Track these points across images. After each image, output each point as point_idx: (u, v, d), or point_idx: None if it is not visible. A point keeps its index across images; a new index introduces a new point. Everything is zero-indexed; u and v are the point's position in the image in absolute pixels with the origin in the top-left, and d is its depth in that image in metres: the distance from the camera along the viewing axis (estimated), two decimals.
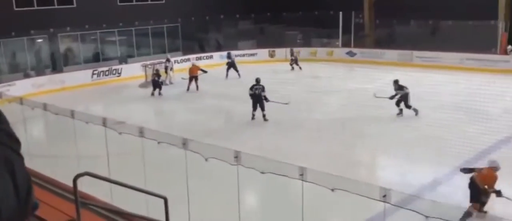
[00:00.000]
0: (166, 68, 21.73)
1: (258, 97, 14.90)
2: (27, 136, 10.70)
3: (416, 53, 24.46)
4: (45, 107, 10.40)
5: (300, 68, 23.98)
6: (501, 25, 23.03)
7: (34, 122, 13.52)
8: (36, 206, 1.27)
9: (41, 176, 6.79)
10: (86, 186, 5.19)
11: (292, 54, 24.75)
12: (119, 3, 25.38)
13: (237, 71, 22.52)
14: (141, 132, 8.20)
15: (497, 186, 8.13)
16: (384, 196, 5.54)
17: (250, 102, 15.20)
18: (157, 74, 20.07)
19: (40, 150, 11.61)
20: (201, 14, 27.04)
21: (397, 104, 14.85)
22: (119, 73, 23.60)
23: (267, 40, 28.59)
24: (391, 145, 12.60)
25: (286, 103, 15.23)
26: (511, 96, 15.60)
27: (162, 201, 4.51)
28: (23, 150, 1.27)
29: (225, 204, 8.19)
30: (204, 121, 15.39)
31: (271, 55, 27.55)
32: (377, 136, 13.29)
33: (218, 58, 25.27)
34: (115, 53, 25.50)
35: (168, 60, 22.35)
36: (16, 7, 21.76)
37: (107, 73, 23.25)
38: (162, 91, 19.76)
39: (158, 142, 8.38)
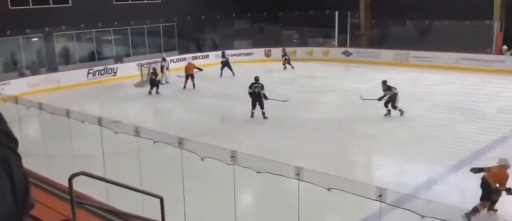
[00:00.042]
0: (162, 67, 21.71)
1: (257, 95, 15.02)
2: (22, 136, 10.66)
3: (412, 53, 24.52)
4: (40, 106, 10.36)
5: (292, 67, 24.14)
6: (496, 25, 23.13)
7: (29, 122, 13.47)
8: (31, 206, 1.27)
9: (36, 176, 6.76)
10: (81, 186, 5.17)
11: (285, 54, 24.84)
12: (114, 2, 25.31)
13: (231, 70, 22.78)
14: (137, 132, 8.19)
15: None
16: (380, 195, 5.55)
17: (246, 101, 15.24)
18: (154, 73, 20.13)
19: (35, 149, 11.56)
20: (197, 13, 26.99)
21: (386, 104, 14.82)
22: (115, 72, 23.54)
23: (263, 39, 28.62)
24: (387, 144, 12.62)
25: (285, 101, 15.44)
26: (506, 96, 15.64)
27: (158, 200, 4.50)
28: (18, 150, 1.26)
29: (221, 204, 8.18)
30: (200, 120, 15.38)
31: (267, 54, 27.56)
32: (373, 136, 13.31)
33: (214, 58, 25.25)
34: (110, 52, 25.44)
35: (164, 60, 22.34)
36: (12, 6, 21.67)
37: (102, 72, 23.19)
38: (159, 90, 19.78)
39: (154, 142, 8.37)
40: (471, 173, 8.64)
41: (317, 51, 27.69)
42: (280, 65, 24.59)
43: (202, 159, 7.18)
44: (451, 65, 22.61)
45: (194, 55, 25.91)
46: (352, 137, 13.44)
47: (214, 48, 27.65)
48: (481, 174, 8.43)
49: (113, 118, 10.55)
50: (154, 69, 20.60)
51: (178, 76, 21.13)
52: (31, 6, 22.22)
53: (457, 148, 11.27)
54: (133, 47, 26.17)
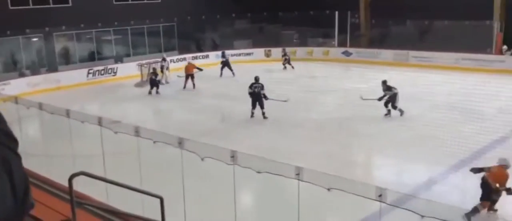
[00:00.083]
0: (162, 67, 21.71)
1: (257, 95, 15.03)
2: (22, 136, 10.66)
3: (412, 53, 24.52)
4: (40, 106, 10.36)
5: (292, 67, 24.18)
6: (496, 25, 23.12)
7: (29, 122, 13.46)
8: (31, 206, 1.27)
9: (36, 176, 6.76)
10: (81, 186, 5.17)
11: (285, 54, 24.87)
12: (114, 2, 25.31)
13: (231, 70, 22.83)
14: (137, 132, 8.19)
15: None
16: (380, 195, 5.55)
17: (246, 101, 15.24)
18: (154, 72, 20.15)
19: (35, 149, 11.56)
20: (197, 13, 26.99)
21: (386, 104, 14.79)
22: (115, 72, 23.53)
23: (263, 39, 28.62)
24: (386, 144, 12.62)
25: (285, 101, 15.48)
26: (506, 96, 15.65)
27: (158, 200, 4.50)
28: (18, 150, 1.26)
29: (221, 204, 8.18)
30: (200, 120, 15.37)
31: (267, 54, 27.56)
32: (373, 136, 13.31)
33: (214, 58, 25.24)
34: (110, 52, 25.44)
35: (164, 60, 22.34)
36: (12, 6, 21.66)
37: (102, 72, 23.18)
38: (159, 90, 19.80)
39: (154, 142, 8.37)
40: (471, 173, 8.63)
41: (317, 51, 27.69)
42: (280, 65, 24.58)
43: (202, 159, 7.18)
44: (451, 65, 22.61)
45: (194, 55, 25.91)
46: (352, 137, 13.44)
47: (214, 48, 27.66)
48: (481, 174, 8.43)
49: (113, 118, 10.55)
50: (154, 69, 20.59)
51: (178, 76, 21.18)
52: (31, 6, 22.22)
53: (457, 148, 11.28)
54: (133, 47, 26.16)
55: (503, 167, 8.24)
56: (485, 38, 22.94)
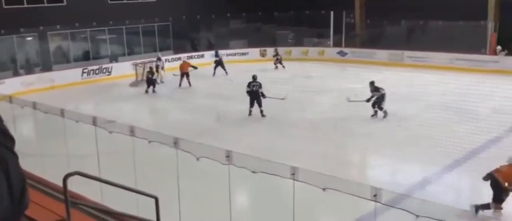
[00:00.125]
0: (157, 67, 21.68)
1: (255, 93, 15.16)
2: (17, 135, 10.48)
3: (406, 53, 24.58)
4: (34, 105, 10.31)
5: (283, 67, 24.39)
6: (490, 25, 23.22)
7: (23, 121, 13.39)
8: (26, 206, 1.25)
9: (30, 176, 6.73)
10: (76, 186, 5.15)
11: (277, 54, 25.04)
12: (109, 2, 25.24)
13: (224, 69, 23.09)
14: (132, 131, 8.16)
15: None
16: (375, 195, 5.56)
17: (241, 100, 15.28)
18: (151, 71, 20.20)
19: (29, 149, 11.48)
20: (192, 13, 26.96)
21: (373, 105, 14.73)
22: (109, 72, 23.47)
23: (259, 39, 28.64)
24: (381, 144, 12.64)
25: (283, 99, 15.58)
26: (500, 96, 15.71)
27: (153, 200, 4.49)
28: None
29: (216, 204, 8.17)
30: (195, 120, 15.36)
31: (262, 54, 27.57)
32: (368, 136, 13.34)
33: (209, 57, 25.23)
34: (105, 52, 25.38)
35: (159, 59, 22.33)
36: (6, 4, 21.54)
37: (97, 71, 23.11)
38: (155, 89, 19.82)
39: (149, 141, 8.34)
40: (480, 180, 8.62)
41: (312, 51, 27.72)
42: (273, 65, 24.71)
43: (198, 159, 7.16)
44: (446, 65, 22.70)
45: (189, 54, 25.87)
46: (347, 137, 13.47)
47: (209, 47, 27.66)
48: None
49: (108, 118, 10.51)
50: (150, 68, 20.61)
51: (174, 75, 21.34)
52: (25, 5, 22.12)
53: (452, 148, 11.32)
54: (128, 47, 26.10)
55: None
56: (479, 38, 23.04)
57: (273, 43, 28.21)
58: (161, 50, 25.93)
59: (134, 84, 21.42)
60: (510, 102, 15.25)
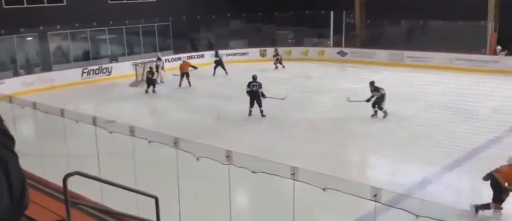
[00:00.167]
0: (157, 67, 21.69)
1: (255, 93, 15.19)
2: (17, 135, 10.47)
3: (406, 53, 24.58)
4: (34, 105, 10.31)
5: (283, 67, 24.43)
6: (490, 25, 23.22)
7: (23, 121, 13.40)
8: (26, 206, 1.25)
9: (30, 176, 6.73)
10: (76, 186, 5.15)
11: (277, 54, 25.09)
12: (109, 2, 25.23)
13: (224, 69, 23.14)
14: (132, 131, 8.16)
15: None
16: (375, 195, 5.56)
17: (241, 100, 15.29)
18: (151, 71, 20.23)
19: (29, 149, 11.48)
20: (192, 13, 26.96)
21: (373, 105, 14.72)
22: (109, 72, 23.47)
23: (259, 39, 28.65)
24: (381, 144, 12.64)
25: (283, 98, 15.60)
26: (500, 96, 15.70)
27: (153, 200, 4.49)
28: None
29: (217, 204, 8.17)
30: (196, 120, 15.36)
31: (262, 54, 27.58)
32: (368, 136, 13.34)
33: (209, 57, 25.23)
34: (105, 52, 25.38)
35: (159, 59, 22.33)
36: (6, 4, 21.54)
37: (97, 71, 23.11)
38: (156, 89, 19.84)
39: (149, 141, 8.34)
40: (482, 180, 8.62)
41: (312, 51, 27.72)
42: (272, 65, 24.74)
43: (198, 159, 7.16)
44: (446, 65, 22.70)
45: (190, 54, 25.87)
46: (347, 137, 13.46)
47: (209, 48, 27.66)
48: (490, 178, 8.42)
49: (108, 118, 10.51)
50: (150, 68, 20.63)
51: (174, 75, 21.36)
52: (25, 5, 22.12)
53: (452, 148, 11.32)
54: (128, 47, 26.10)
55: None
56: (479, 38, 23.04)
57: (273, 43, 28.20)
58: (161, 50, 25.92)
59: (134, 84, 21.41)
60: (510, 102, 15.26)
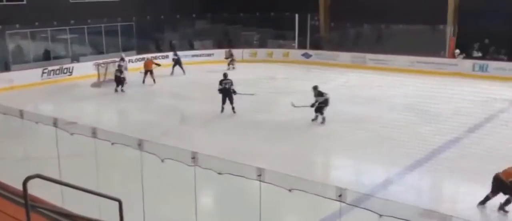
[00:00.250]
0: (120, 67, 21.34)
1: (227, 91, 15.52)
2: None
3: (369, 55, 25.02)
4: None
5: (233, 68, 24.61)
6: (449, 29, 23.93)
7: None
8: None
9: None
10: (36, 189, 4.98)
11: (231, 55, 25.44)
12: (71, 0, 24.69)
13: (182, 68, 23.43)
14: (94, 133, 7.97)
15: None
16: (340, 195, 5.61)
17: (207, 101, 15.23)
18: (119, 70, 20.05)
19: None
20: (156, 13, 26.69)
21: (317, 110, 14.53)
22: (71, 72, 22.98)
23: (224, 40, 28.59)
24: (345, 145, 12.81)
25: (252, 94, 16.40)
26: (460, 98, 16.20)
27: (116, 203, 4.40)
28: None
29: (182, 205, 8.09)
30: (160, 121, 15.20)
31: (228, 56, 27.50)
32: (332, 137, 13.50)
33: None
34: (66, 52, 24.81)
35: (122, 59, 21.99)
36: None
37: (58, 72, 22.58)
38: (124, 87, 19.77)
39: (112, 143, 8.17)
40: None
41: (277, 52, 27.88)
42: (240, 65, 24.87)
43: (163, 161, 7.07)
44: (407, 67, 23.24)
45: (154, 55, 25.55)
46: (312, 138, 13.57)
47: (173, 49, 27.40)
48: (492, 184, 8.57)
49: (69, 119, 10.24)
50: (119, 65, 20.39)
51: (141, 72, 21.59)
52: None
53: (413, 149, 11.58)
54: (90, 47, 25.60)
55: None
56: (438, 42, 23.74)
57: (239, 44, 28.24)
58: (124, 50, 25.51)
59: (96, 85, 21.05)
60: (469, 103, 15.77)
